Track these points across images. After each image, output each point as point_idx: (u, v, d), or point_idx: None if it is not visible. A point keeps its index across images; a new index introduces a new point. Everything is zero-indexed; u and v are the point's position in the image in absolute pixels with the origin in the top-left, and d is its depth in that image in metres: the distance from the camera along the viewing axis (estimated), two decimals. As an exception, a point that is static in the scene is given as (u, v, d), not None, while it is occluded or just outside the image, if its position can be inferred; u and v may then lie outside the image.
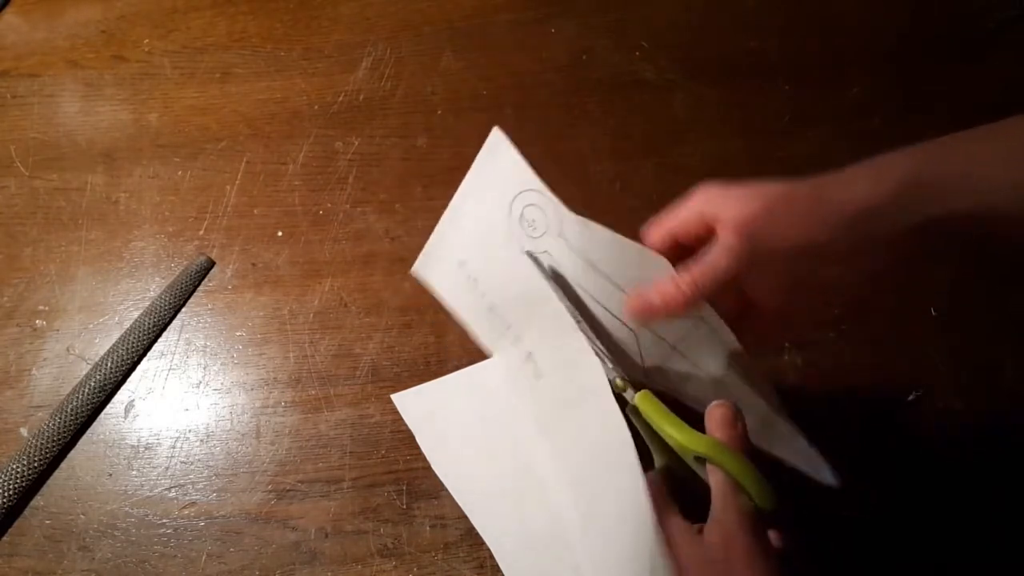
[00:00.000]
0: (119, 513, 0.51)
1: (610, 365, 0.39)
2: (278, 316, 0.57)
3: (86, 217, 0.61)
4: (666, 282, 0.37)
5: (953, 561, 0.48)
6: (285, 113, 0.66)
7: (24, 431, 0.53)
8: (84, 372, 0.55)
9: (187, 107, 0.66)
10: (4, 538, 0.50)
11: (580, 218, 0.40)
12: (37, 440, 0.51)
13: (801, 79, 0.66)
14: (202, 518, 0.51)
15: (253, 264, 0.59)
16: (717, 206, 0.36)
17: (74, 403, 0.53)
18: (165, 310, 0.57)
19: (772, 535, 0.35)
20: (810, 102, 0.64)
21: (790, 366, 0.55)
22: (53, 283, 0.59)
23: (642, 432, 0.40)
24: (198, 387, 0.55)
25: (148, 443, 0.53)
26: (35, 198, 0.62)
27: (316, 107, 0.66)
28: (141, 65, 0.68)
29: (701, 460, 0.36)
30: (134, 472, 0.52)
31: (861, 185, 0.34)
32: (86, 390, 0.53)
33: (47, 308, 0.58)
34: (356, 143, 0.64)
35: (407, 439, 0.52)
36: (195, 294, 0.58)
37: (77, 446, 0.53)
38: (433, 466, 0.51)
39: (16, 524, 0.50)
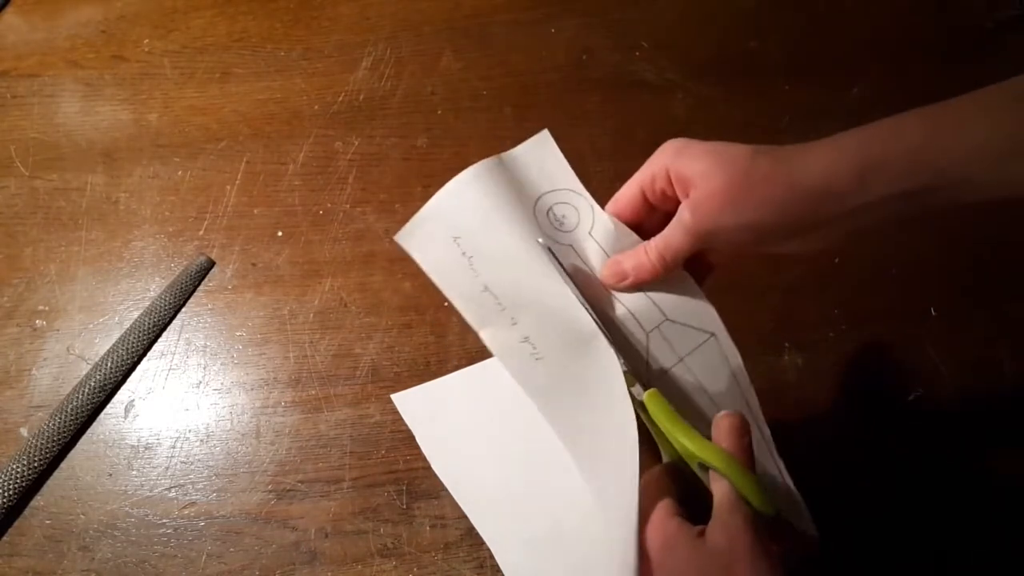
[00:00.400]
0: (119, 513, 0.51)
1: (622, 359, 0.40)
2: (278, 316, 0.57)
3: (86, 217, 0.61)
4: (638, 251, 0.40)
5: (953, 561, 0.49)
6: (285, 113, 0.66)
7: (24, 431, 0.53)
8: (84, 372, 0.55)
9: (187, 107, 0.66)
10: (4, 538, 0.50)
11: (612, 219, 0.41)
12: (37, 440, 0.51)
13: (801, 79, 0.66)
14: (202, 518, 0.51)
15: (253, 264, 0.59)
16: (682, 166, 0.37)
17: (74, 403, 0.53)
18: (165, 310, 0.57)
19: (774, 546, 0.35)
20: (810, 102, 0.64)
21: (790, 366, 0.55)
22: (53, 283, 0.59)
23: (649, 427, 0.40)
24: (198, 387, 0.55)
25: (148, 443, 0.53)
26: (35, 198, 0.62)
27: (316, 107, 0.66)
28: (141, 65, 0.68)
29: (705, 467, 0.36)
30: (134, 472, 0.52)
31: (821, 164, 0.35)
32: (86, 390, 0.53)
33: (47, 308, 0.58)
34: (356, 143, 0.64)
35: (407, 439, 0.52)
36: (195, 294, 0.58)
37: (77, 446, 0.53)
38: (433, 466, 0.51)
39: (16, 524, 0.50)
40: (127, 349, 0.55)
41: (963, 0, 0.69)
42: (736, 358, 0.41)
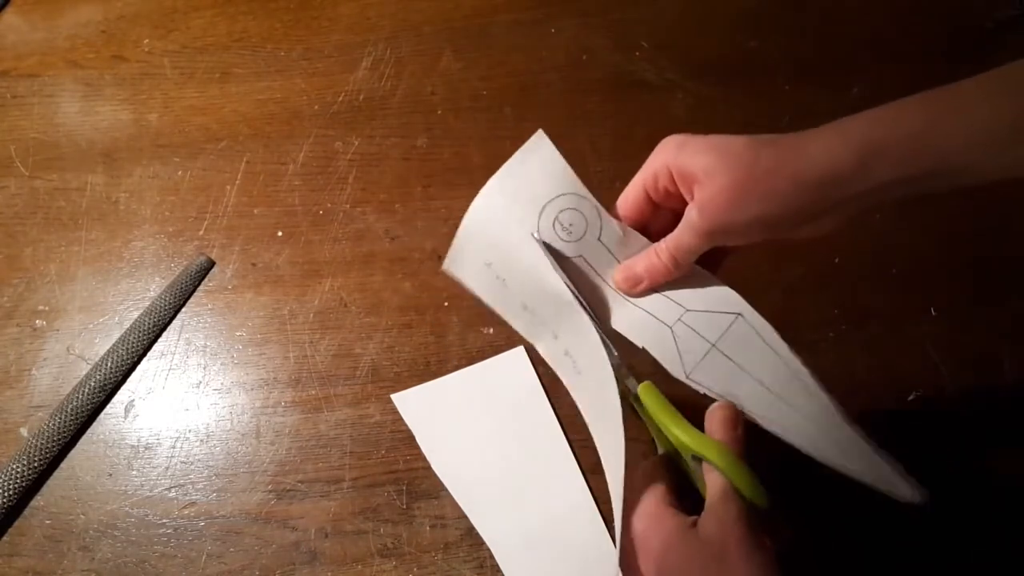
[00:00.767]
0: (119, 513, 0.51)
1: (615, 353, 0.39)
2: (278, 316, 0.57)
3: (86, 217, 0.61)
4: (649, 254, 0.40)
5: (953, 560, 0.49)
6: (285, 113, 0.66)
7: (24, 431, 0.53)
8: (84, 372, 0.55)
9: (187, 107, 0.66)
10: (4, 538, 0.50)
11: (620, 224, 0.41)
12: (37, 440, 0.51)
13: (801, 79, 0.66)
14: (202, 518, 0.51)
15: (253, 264, 0.59)
16: (684, 162, 0.37)
17: (74, 403, 0.53)
18: (165, 310, 0.57)
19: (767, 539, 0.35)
20: (810, 102, 0.64)
21: (790, 366, 0.55)
22: (53, 283, 0.59)
23: (644, 420, 0.40)
24: (198, 387, 0.55)
25: (148, 443, 0.53)
26: (35, 198, 0.62)
27: (316, 107, 0.66)
28: (141, 65, 0.68)
29: (698, 459, 0.36)
30: (134, 472, 0.52)
31: (824, 152, 0.35)
32: (86, 390, 0.53)
33: (47, 308, 0.58)
34: (356, 143, 0.64)
35: (407, 439, 0.52)
36: (195, 294, 0.58)
37: (77, 446, 0.53)
38: (433, 466, 0.51)
39: (16, 524, 0.50)
40: (127, 349, 0.55)
41: (963, 0, 0.69)
42: (770, 332, 0.39)
